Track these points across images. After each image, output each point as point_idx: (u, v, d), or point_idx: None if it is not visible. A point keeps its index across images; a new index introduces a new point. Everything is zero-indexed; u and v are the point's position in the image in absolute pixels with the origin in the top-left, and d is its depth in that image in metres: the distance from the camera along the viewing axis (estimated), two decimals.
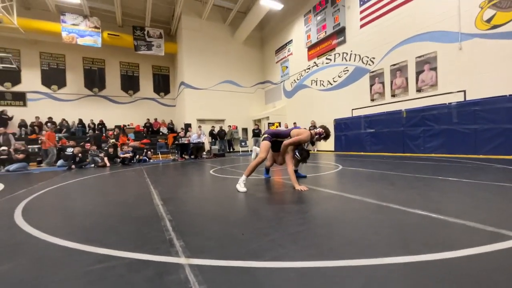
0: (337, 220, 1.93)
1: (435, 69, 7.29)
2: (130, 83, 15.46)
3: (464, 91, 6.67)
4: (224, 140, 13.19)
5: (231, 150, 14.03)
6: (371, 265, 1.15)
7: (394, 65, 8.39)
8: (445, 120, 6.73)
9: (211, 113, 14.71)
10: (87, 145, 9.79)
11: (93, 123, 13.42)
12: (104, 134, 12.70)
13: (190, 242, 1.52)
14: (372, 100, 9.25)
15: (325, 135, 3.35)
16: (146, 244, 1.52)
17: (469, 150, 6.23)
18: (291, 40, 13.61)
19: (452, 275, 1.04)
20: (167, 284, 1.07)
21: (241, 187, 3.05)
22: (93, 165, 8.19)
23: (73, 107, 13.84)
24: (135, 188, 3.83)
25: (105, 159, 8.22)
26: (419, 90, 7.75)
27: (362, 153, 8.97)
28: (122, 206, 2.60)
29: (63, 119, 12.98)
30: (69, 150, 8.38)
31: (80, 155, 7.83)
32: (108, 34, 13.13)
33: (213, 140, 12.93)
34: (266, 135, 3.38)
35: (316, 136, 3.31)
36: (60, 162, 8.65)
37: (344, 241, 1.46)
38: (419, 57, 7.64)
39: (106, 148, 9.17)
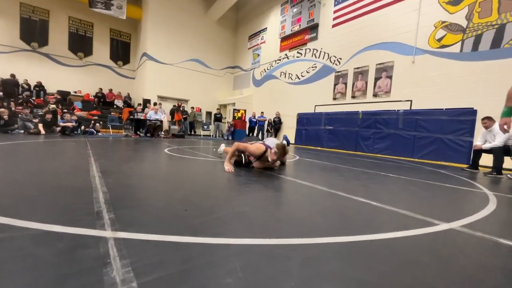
0: (286, 202, 1.95)
1: (390, 77, 7.94)
2: (80, 44, 13.46)
3: (411, 101, 7.43)
4: (186, 121, 12.55)
5: (193, 132, 13.47)
6: (311, 244, 1.14)
7: (357, 68, 8.90)
8: (393, 125, 7.44)
9: (174, 91, 13.82)
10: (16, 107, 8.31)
11: (28, 84, 11.38)
12: (42, 98, 10.96)
13: (123, 215, 1.34)
14: (334, 99, 9.73)
15: (282, 153, 3.07)
16: (65, 215, 1.29)
17: (407, 153, 7.02)
18: (266, 28, 13.39)
19: (382, 253, 1.10)
20: (79, 258, 0.89)
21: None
22: (23, 131, 6.99)
23: (3, 61, 11.50)
24: (71, 159, 3.35)
25: (40, 125, 7.07)
26: (375, 95, 8.39)
27: (319, 148, 9.44)
28: (48, 175, 2.22)
29: None
30: None
31: (5, 117, 6.58)
32: None
33: (173, 119, 12.19)
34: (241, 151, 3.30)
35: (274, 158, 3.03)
36: None
37: (291, 221, 1.45)
38: (379, 64, 8.22)
39: (42, 113, 7.89)
